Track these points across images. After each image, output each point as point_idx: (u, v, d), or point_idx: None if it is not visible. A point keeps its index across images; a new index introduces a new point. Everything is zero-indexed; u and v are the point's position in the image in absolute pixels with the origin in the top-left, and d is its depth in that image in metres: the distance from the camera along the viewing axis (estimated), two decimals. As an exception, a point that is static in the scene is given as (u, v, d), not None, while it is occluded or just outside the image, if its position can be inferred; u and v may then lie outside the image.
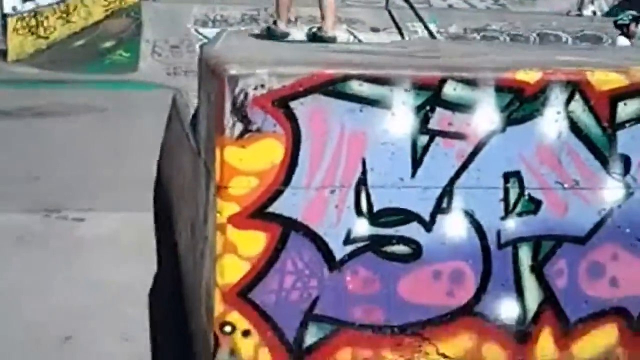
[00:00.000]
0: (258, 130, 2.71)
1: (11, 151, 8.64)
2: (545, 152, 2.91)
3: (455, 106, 2.84)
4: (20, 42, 17.83)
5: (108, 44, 17.21)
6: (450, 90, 2.83)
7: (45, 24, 18.12)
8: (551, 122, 2.91)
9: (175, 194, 4.89)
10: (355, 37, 17.35)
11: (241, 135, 2.70)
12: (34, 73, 16.08)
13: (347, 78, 2.76)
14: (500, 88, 2.86)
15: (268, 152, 2.73)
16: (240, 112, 2.69)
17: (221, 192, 2.72)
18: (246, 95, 2.69)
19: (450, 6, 23.77)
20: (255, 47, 4.08)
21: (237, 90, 2.69)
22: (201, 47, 3.78)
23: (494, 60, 3.47)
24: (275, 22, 5.95)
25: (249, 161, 2.71)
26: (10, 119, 10.97)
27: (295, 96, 2.73)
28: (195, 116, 3.97)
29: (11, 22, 17.85)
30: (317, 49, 3.88)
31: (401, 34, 17.53)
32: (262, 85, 2.70)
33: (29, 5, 18.37)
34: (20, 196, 6.59)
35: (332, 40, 5.78)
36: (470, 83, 2.84)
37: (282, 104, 2.72)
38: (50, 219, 5.92)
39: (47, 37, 18.06)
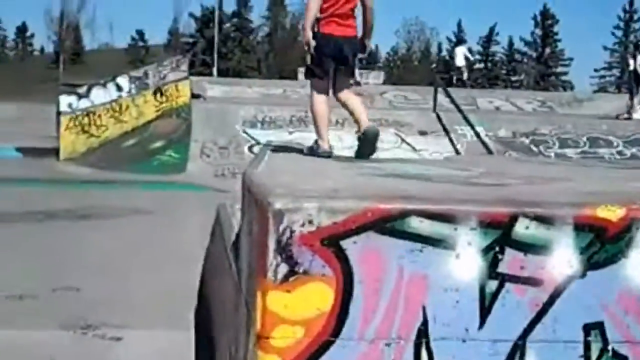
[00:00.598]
0: (305, 272, 2.41)
1: (52, 257, 8.47)
2: (630, 300, 2.56)
3: (528, 247, 2.51)
4: (72, 140, 18.05)
5: (158, 144, 17.31)
6: (522, 228, 2.51)
7: (97, 122, 18.37)
8: (637, 265, 2.56)
9: (217, 317, 4.58)
10: (403, 140, 17.35)
11: (286, 278, 2.40)
12: (85, 173, 16.17)
13: (405, 214, 2.46)
14: (579, 227, 2.52)
15: (316, 297, 2.41)
16: (285, 251, 2.40)
17: (262, 344, 2.40)
18: (292, 232, 2.41)
19: (497, 108, 23.78)
20: (302, 171, 3.82)
21: (282, 227, 2.41)
22: (244, 172, 3.51)
23: (569, 191, 3.15)
24: (317, 142, 5.82)
25: (295, 308, 2.40)
26: (54, 221, 10.86)
27: (347, 234, 2.43)
28: (237, 241, 3.68)
29: (64, 120, 18.13)
30: (368, 172, 3.62)
31: (449, 138, 17.44)
32: (311, 222, 2.42)
33: (84, 103, 18.69)
34: (56, 309, 6.34)
35: (328, 155, 5.66)
36: (545, 221, 2.52)
37: (333, 243, 2.43)
38: (87, 337, 5.62)
39: (98, 136, 18.26)
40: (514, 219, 2.51)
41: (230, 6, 76.39)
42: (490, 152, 15.69)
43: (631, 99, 22.37)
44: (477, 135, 16.51)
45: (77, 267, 8.12)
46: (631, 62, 21.85)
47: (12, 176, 14.58)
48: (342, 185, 2.92)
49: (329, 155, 5.71)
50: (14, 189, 13.36)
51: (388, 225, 2.45)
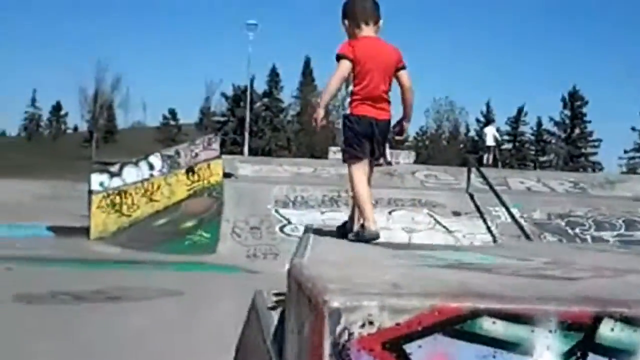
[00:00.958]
0: (365, 379, 2.15)
1: (79, 340, 8.21)
2: None
3: (614, 352, 2.23)
4: (103, 220, 17.98)
5: (189, 224, 17.17)
6: (607, 331, 2.23)
7: (129, 201, 18.32)
8: None
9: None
10: (436, 221, 17.07)
11: (343, 385, 2.14)
12: (115, 252, 16.02)
13: (477, 314, 2.19)
14: (671, 329, 2.25)
15: (377, 408, 2.14)
16: (342, 356, 2.15)
17: None
18: (351, 334, 2.15)
19: (528, 189, 23.50)
20: (354, 262, 3.57)
21: (339, 328, 2.15)
22: (291, 262, 3.27)
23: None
24: (362, 225, 5.60)
25: (352, 420, 2.13)
26: (81, 303, 10.65)
27: (412, 337, 2.16)
28: (279, 336, 3.42)
29: (96, 199, 18.10)
30: (426, 263, 3.36)
31: (483, 219, 17.14)
32: (371, 323, 2.16)
33: (116, 182, 18.70)
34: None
35: (376, 236, 5.48)
36: (633, 322, 2.24)
37: (395, 346, 2.16)
38: None
39: (129, 215, 18.18)
40: (597, 320, 2.23)
41: (261, 86, 77.50)
42: (526, 234, 15.35)
43: None
44: (512, 216, 16.19)
45: (105, 350, 7.86)
46: None
47: (43, 256, 14.47)
48: (403, 279, 2.67)
49: (377, 236, 5.50)
50: (43, 269, 13.23)
51: (457, 327, 2.18)
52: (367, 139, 5.69)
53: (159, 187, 18.55)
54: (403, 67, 5.90)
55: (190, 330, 9.17)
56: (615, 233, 16.92)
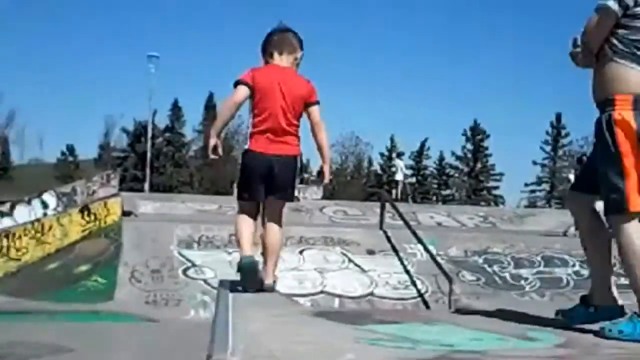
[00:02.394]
0: None
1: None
2: None
3: None
4: (-12, 264, 16.41)
5: (83, 268, 15.75)
6: None
7: (17, 244, 16.77)
8: None
9: None
10: (350, 259, 16.27)
11: None
12: (0, 301, 14.51)
13: None
14: None
15: None
16: None
17: None
18: None
19: (439, 224, 23.15)
20: (310, 355, 2.63)
21: None
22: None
23: None
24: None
25: None
26: (-45, 366, 9.33)
27: None
28: None
29: (-20, 244, 16.54)
30: (403, 353, 2.49)
31: (399, 257, 16.44)
32: None
33: (7, 222, 17.20)
34: None
35: (248, 261, 5.16)
36: None
37: None
38: None
39: (18, 260, 16.64)
40: None
41: (163, 120, 75.69)
42: (445, 273, 14.72)
43: None
44: (430, 254, 15.55)
45: None
46: (571, 176, 21.62)
47: None
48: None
49: (251, 260, 5.13)
50: None
51: None
52: (261, 178, 5.27)
53: (50, 228, 17.08)
54: (315, 103, 5.40)
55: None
56: (534, 270, 16.48)
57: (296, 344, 2.76)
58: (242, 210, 5.45)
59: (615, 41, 3.83)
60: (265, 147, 5.22)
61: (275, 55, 5.42)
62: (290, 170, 5.35)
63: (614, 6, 3.79)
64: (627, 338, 3.46)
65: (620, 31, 3.82)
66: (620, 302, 4.00)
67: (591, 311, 4.05)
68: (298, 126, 5.40)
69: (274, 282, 5.42)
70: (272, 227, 5.41)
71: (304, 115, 5.46)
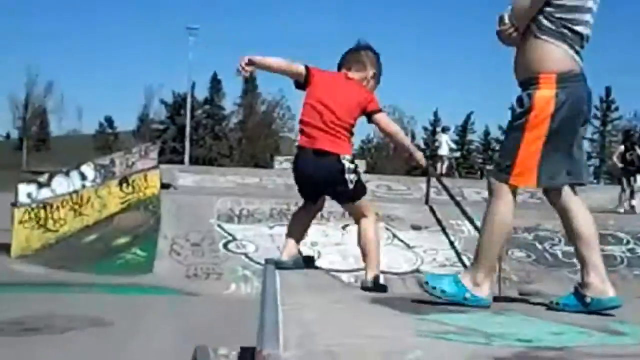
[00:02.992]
0: None
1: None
2: None
3: None
4: (26, 235, 16.24)
5: (122, 241, 15.50)
6: None
7: (55, 216, 16.60)
8: None
9: None
10: (395, 236, 15.80)
11: None
12: (38, 273, 14.32)
13: None
14: None
15: None
16: None
17: None
18: None
19: (485, 200, 22.46)
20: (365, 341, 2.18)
21: None
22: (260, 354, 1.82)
23: None
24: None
25: None
26: (-5, 337, 9.07)
27: None
28: None
29: (18, 213, 16.37)
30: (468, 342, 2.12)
31: (446, 234, 15.94)
32: None
33: (45, 193, 16.97)
34: None
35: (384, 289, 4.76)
36: None
37: None
38: None
39: (56, 231, 16.47)
40: None
41: (202, 92, 75.67)
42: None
43: (623, 190, 21.38)
44: (478, 230, 14.98)
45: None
46: (621, 148, 20.94)
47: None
48: None
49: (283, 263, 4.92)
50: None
51: None
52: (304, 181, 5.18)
53: (88, 200, 16.86)
54: (376, 111, 5.23)
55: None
56: (587, 248, 15.85)
57: (355, 337, 2.35)
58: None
59: (542, 19, 3.80)
60: (309, 144, 5.08)
61: (344, 71, 5.36)
62: (335, 172, 5.05)
63: None
64: (447, 299, 3.60)
65: (548, 9, 3.79)
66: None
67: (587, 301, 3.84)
68: (347, 129, 5.12)
69: (375, 278, 4.86)
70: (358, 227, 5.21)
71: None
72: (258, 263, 14.21)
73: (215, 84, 76.73)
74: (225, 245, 14.93)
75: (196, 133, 68.15)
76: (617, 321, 3.28)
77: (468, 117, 77.85)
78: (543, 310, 3.69)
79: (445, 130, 31.11)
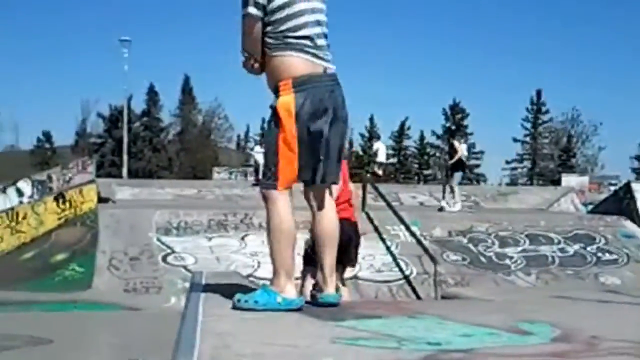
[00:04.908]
0: None
1: None
2: None
3: None
4: (-39, 254, 15.99)
5: (60, 257, 15.36)
6: None
7: (-10, 233, 16.38)
8: None
9: None
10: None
11: None
12: (-27, 292, 14.11)
13: None
14: None
15: None
16: None
17: None
18: None
19: (421, 204, 22.93)
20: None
21: None
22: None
23: None
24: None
25: None
26: None
27: None
28: None
29: (-48, 232, 16.12)
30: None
31: (382, 239, 16.18)
32: None
33: (-21, 212, 16.72)
34: None
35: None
36: None
37: None
38: None
39: (-8, 249, 16.24)
40: None
41: (139, 105, 74.82)
42: (430, 254, 14.50)
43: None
44: (414, 235, 15.32)
45: None
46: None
47: None
48: None
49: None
50: None
51: None
52: None
53: (25, 216, 16.67)
54: None
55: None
56: (519, 249, 16.30)
57: (268, 345, 2.48)
58: None
59: (267, 39, 4.11)
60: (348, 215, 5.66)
61: None
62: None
63: (253, 10, 4.09)
64: (262, 308, 3.67)
65: (268, 29, 4.10)
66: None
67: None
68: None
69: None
70: None
71: None
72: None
73: (152, 95, 75.85)
74: (164, 259, 14.92)
75: (134, 146, 67.33)
76: (527, 321, 3.41)
77: (403, 122, 78.52)
78: (459, 312, 3.84)
79: (378, 138, 31.21)
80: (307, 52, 4.07)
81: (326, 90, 4.06)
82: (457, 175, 19.19)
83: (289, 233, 4.06)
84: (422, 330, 3.06)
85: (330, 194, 4.31)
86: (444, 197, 19.41)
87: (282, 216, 4.03)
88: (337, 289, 4.30)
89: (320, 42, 4.14)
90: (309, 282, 5.46)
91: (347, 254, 5.68)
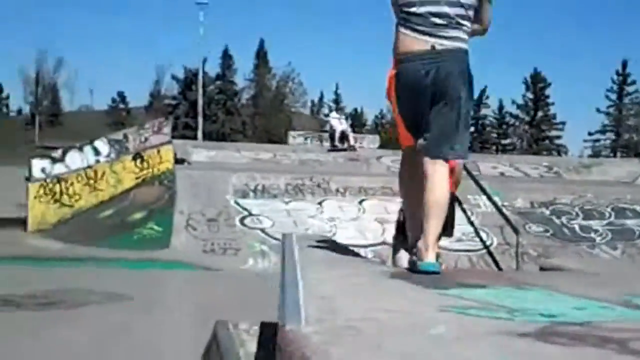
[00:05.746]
0: None
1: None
2: None
3: None
4: (42, 210, 16.24)
5: (138, 216, 15.48)
6: None
7: (70, 191, 16.58)
8: None
9: None
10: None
11: None
12: (55, 247, 14.32)
13: None
14: None
15: None
16: None
17: None
18: None
19: (502, 174, 22.35)
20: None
21: None
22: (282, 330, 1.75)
23: None
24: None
25: None
26: (9, 311, 9.02)
27: None
28: None
29: (33, 188, 16.36)
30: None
31: (462, 209, 15.78)
32: None
33: (59, 169, 16.92)
34: None
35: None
36: None
37: None
38: None
39: (71, 206, 16.46)
40: None
41: (214, 68, 75.46)
42: (512, 226, 14.02)
43: None
44: (496, 206, 14.86)
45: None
46: None
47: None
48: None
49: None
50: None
51: None
52: None
53: (103, 175, 16.82)
54: None
55: (139, 346, 7.64)
56: (604, 222, 15.71)
57: (376, 311, 2.26)
58: None
59: (396, 13, 4.33)
60: None
61: None
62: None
63: None
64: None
65: (395, 6, 4.33)
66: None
67: None
68: None
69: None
70: None
71: None
72: (275, 238, 14.16)
73: (227, 59, 76.45)
74: (241, 221, 14.87)
75: (209, 109, 67.99)
76: (636, 294, 3.18)
77: (482, 91, 77.19)
78: (563, 284, 3.58)
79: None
80: (419, 31, 4.20)
81: (423, 68, 4.17)
82: None
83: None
84: (532, 301, 2.86)
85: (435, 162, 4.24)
86: None
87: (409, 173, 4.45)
88: (438, 257, 4.15)
89: (434, 20, 4.21)
90: (403, 252, 5.22)
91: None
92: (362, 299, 2.67)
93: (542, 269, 5.85)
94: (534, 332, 1.93)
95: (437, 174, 4.15)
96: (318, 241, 5.10)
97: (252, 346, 3.42)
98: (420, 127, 4.19)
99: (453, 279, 3.70)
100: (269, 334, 3.43)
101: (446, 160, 4.19)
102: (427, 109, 4.12)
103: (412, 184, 4.32)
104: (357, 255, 5.78)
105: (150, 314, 9.14)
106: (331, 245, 5.19)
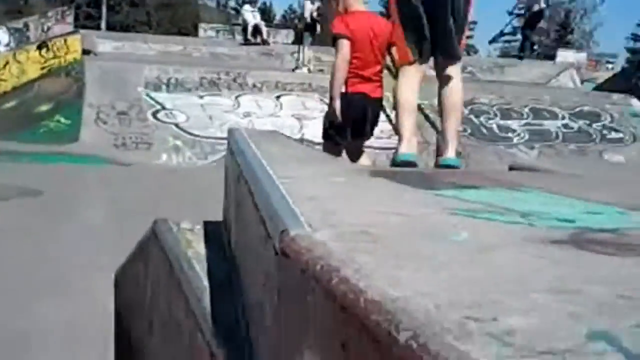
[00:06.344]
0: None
1: None
2: None
3: None
4: (-60, 102, 15.24)
5: (44, 108, 14.65)
6: None
7: (-30, 81, 15.60)
8: None
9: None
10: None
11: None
12: (-47, 141, 13.47)
13: None
14: None
15: None
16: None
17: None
18: None
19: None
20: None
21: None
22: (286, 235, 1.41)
23: None
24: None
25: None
26: None
27: None
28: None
29: None
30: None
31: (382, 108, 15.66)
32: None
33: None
34: None
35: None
36: None
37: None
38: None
39: (-29, 98, 15.50)
40: None
41: (117, -43, 71.92)
42: (431, 122, 13.99)
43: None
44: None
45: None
46: None
47: None
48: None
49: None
50: None
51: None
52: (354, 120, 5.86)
53: (6, 65, 15.83)
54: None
55: (55, 240, 7.27)
56: (522, 122, 15.84)
57: (382, 215, 1.92)
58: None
59: None
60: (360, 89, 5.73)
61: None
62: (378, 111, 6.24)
63: None
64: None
65: None
66: None
67: None
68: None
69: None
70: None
71: None
72: (189, 133, 13.74)
73: (132, -54, 72.95)
74: (154, 115, 14.29)
75: (111, -1, 65.13)
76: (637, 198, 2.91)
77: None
78: (559, 186, 3.27)
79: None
80: None
81: None
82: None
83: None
84: (537, 204, 2.53)
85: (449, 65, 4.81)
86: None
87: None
88: (460, 154, 5.08)
89: None
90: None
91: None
92: (355, 201, 2.31)
93: (511, 168, 5.65)
94: (567, 240, 1.62)
95: (459, 76, 4.73)
96: (270, 137, 4.62)
97: (200, 247, 3.01)
98: (424, 36, 4.50)
99: (439, 179, 3.40)
100: (216, 235, 3.08)
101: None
102: (447, 15, 4.40)
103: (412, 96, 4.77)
104: (320, 152, 5.54)
105: (64, 208, 8.71)
106: (288, 141, 4.78)
